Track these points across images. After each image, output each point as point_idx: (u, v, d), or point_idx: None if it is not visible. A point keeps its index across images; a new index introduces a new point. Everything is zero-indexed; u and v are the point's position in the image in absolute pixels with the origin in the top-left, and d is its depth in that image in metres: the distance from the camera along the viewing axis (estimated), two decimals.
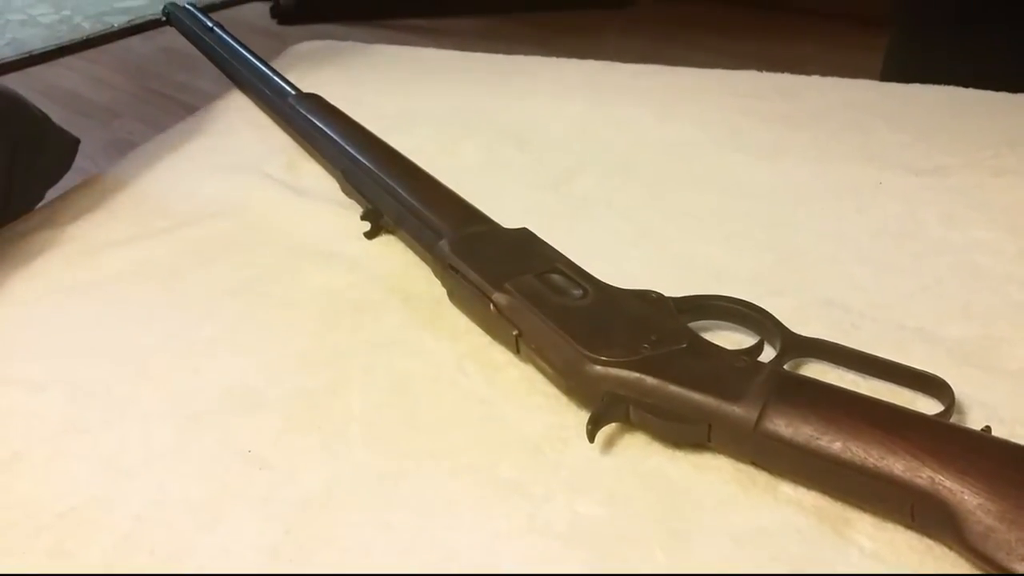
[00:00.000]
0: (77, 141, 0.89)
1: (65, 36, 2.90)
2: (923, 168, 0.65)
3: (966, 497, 0.34)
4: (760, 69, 0.84)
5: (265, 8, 3.10)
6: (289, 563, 0.38)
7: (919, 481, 0.35)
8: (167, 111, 2.46)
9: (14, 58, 2.68)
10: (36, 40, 2.88)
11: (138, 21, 3.04)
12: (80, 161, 0.86)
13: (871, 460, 0.37)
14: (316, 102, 0.72)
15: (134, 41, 2.98)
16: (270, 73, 0.79)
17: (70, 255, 0.61)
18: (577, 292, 0.48)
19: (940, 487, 0.35)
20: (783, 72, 0.83)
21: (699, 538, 0.38)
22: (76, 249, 0.61)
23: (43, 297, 0.57)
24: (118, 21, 3.04)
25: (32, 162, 0.84)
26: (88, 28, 2.99)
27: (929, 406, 0.42)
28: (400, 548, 0.38)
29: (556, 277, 0.49)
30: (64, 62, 2.79)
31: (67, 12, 3.16)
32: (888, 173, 0.65)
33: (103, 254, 0.61)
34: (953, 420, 0.41)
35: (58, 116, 0.95)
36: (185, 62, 2.58)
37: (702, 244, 0.58)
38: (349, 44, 0.98)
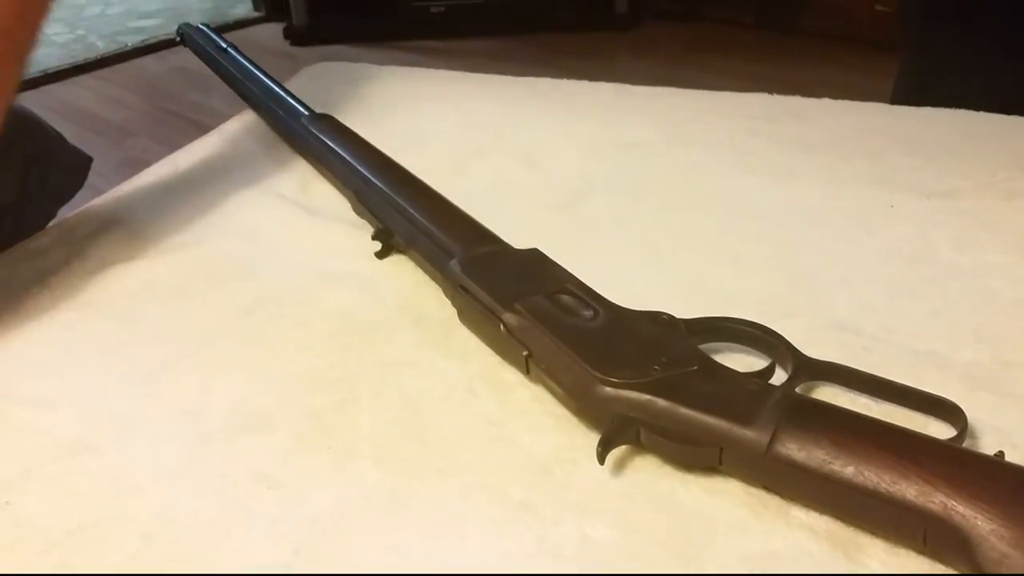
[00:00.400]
0: (90, 160, 0.90)
1: (79, 55, 2.94)
2: (935, 191, 0.65)
3: (979, 523, 0.34)
4: (770, 91, 0.84)
5: (278, 29, 3.14)
6: None
7: (932, 506, 0.35)
8: (180, 130, 2.49)
9: (29, 76, 2.72)
10: (51, 59, 2.92)
11: (151, 41, 3.08)
12: (92, 179, 0.87)
13: (883, 485, 0.36)
14: (329, 123, 0.73)
15: (148, 61, 3.02)
16: (283, 94, 0.79)
17: (82, 273, 0.61)
18: (588, 313, 0.48)
19: (953, 512, 0.35)
20: (793, 94, 0.84)
21: (710, 562, 0.38)
22: (88, 267, 0.62)
23: (55, 314, 0.57)
24: (132, 41, 3.08)
25: (45, 180, 0.85)
26: (102, 47, 3.03)
27: (942, 431, 0.42)
28: (409, 568, 0.38)
29: (566, 298, 0.49)
30: (78, 81, 2.82)
31: (81, 31, 3.20)
32: (900, 196, 0.65)
33: (115, 272, 0.61)
34: (966, 445, 0.41)
35: (72, 134, 0.96)
36: (198, 82, 2.61)
37: (713, 266, 0.58)
38: (361, 65, 0.99)
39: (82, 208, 0.72)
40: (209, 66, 0.89)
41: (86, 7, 3.52)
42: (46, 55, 2.98)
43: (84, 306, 0.58)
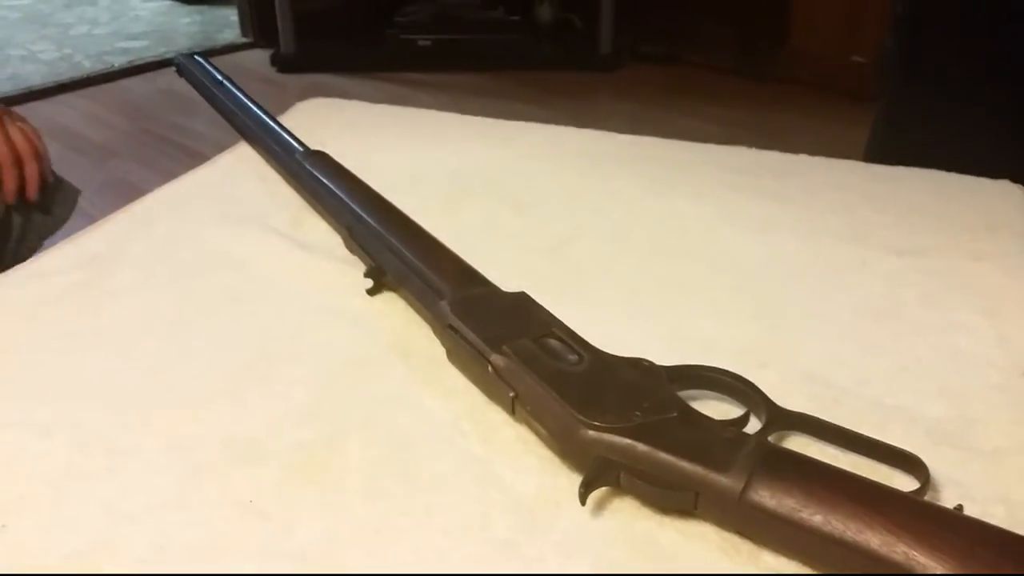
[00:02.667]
0: (78, 192, 0.92)
1: (65, 74, 2.94)
2: (905, 249, 0.68)
3: (938, 573, 0.36)
4: (747, 136, 0.87)
5: (265, 56, 3.16)
6: None
7: (894, 556, 0.37)
8: (163, 152, 2.50)
9: (14, 93, 2.72)
10: (36, 76, 2.93)
11: (138, 62, 3.09)
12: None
13: (849, 534, 0.38)
14: (323, 159, 0.75)
15: (133, 82, 3.03)
16: (278, 129, 0.81)
17: (77, 302, 0.62)
18: (573, 357, 0.50)
19: (914, 562, 0.37)
20: (771, 141, 0.87)
21: None
22: (82, 296, 0.63)
23: (49, 342, 0.58)
24: (118, 61, 3.09)
25: (31, 215, 0.87)
26: (88, 67, 3.04)
27: (905, 483, 0.44)
28: None
29: (553, 342, 0.51)
30: (63, 99, 2.82)
31: (68, 50, 3.21)
32: (871, 253, 0.68)
33: (109, 302, 0.62)
34: (928, 497, 0.43)
35: (55, 153, 0.97)
36: (183, 105, 2.62)
37: (693, 315, 0.60)
38: (354, 103, 1.01)
39: (75, 236, 0.73)
40: (205, 98, 0.91)
41: (73, 26, 3.53)
42: (32, 72, 2.99)
43: (78, 335, 0.59)
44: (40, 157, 0.91)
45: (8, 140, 0.87)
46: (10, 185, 0.87)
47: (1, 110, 0.91)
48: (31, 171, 0.89)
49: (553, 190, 0.79)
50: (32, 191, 0.90)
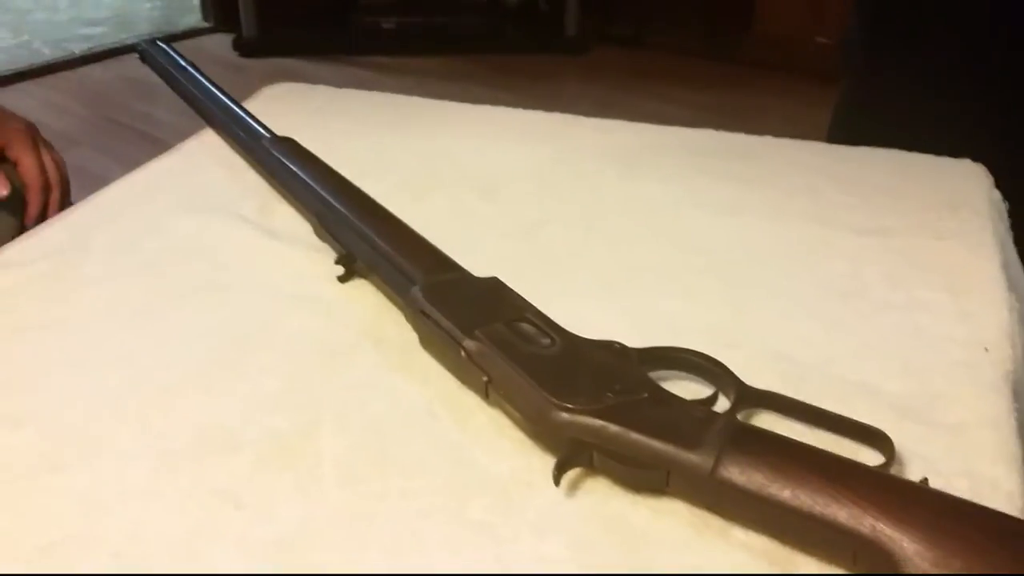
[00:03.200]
0: None
1: (24, 61, 2.89)
2: (869, 229, 0.69)
3: (904, 544, 0.37)
4: (714, 118, 0.87)
5: (227, 40, 3.12)
6: None
7: (861, 528, 0.38)
8: (126, 140, 2.46)
9: None
10: None
11: (99, 49, 3.04)
12: None
13: (817, 508, 0.39)
14: (290, 146, 0.74)
15: (94, 69, 2.99)
16: (243, 115, 0.80)
17: (45, 293, 0.61)
18: (545, 341, 0.51)
19: (881, 534, 0.38)
20: (738, 123, 0.87)
21: None
22: (48, 287, 0.62)
23: (16, 334, 0.57)
24: (79, 48, 3.04)
25: None
26: (48, 54, 2.99)
27: (871, 458, 0.45)
28: None
29: (525, 326, 0.52)
30: (22, 87, 2.77)
31: (26, 37, 3.15)
32: (836, 233, 0.69)
33: (76, 292, 0.62)
34: (893, 471, 0.44)
35: None
36: (145, 92, 2.59)
37: (662, 297, 0.61)
38: (321, 88, 1.00)
39: (39, 227, 0.72)
40: (168, 84, 0.90)
41: (32, 12, 3.47)
42: None
43: (46, 326, 0.58)
44: (64, 187, 0.94)
45: (41, 166, 0.90)
46: (34, 211, 0.90)
47: (38, 136, 0.93)
48: (54, 199, 0.92)
49: (522, 174, 0.79)
50: (51, 218, 0.91)
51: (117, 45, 3.04)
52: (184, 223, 0.70)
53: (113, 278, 0.63)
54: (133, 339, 0.57)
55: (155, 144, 1.48)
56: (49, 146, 0.95)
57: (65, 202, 0.95)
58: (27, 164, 0.89)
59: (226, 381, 0.53)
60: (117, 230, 0.70)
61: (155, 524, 0.43)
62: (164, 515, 0.43)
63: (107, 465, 0.47)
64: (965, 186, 0.76)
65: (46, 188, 0.91)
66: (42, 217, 0.91)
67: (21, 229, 0.91)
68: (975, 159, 0.80)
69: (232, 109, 0.82)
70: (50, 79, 2.86)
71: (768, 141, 0.85)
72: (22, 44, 3.09)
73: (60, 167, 0.94)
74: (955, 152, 0.81)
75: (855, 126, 1.20)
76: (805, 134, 0.88)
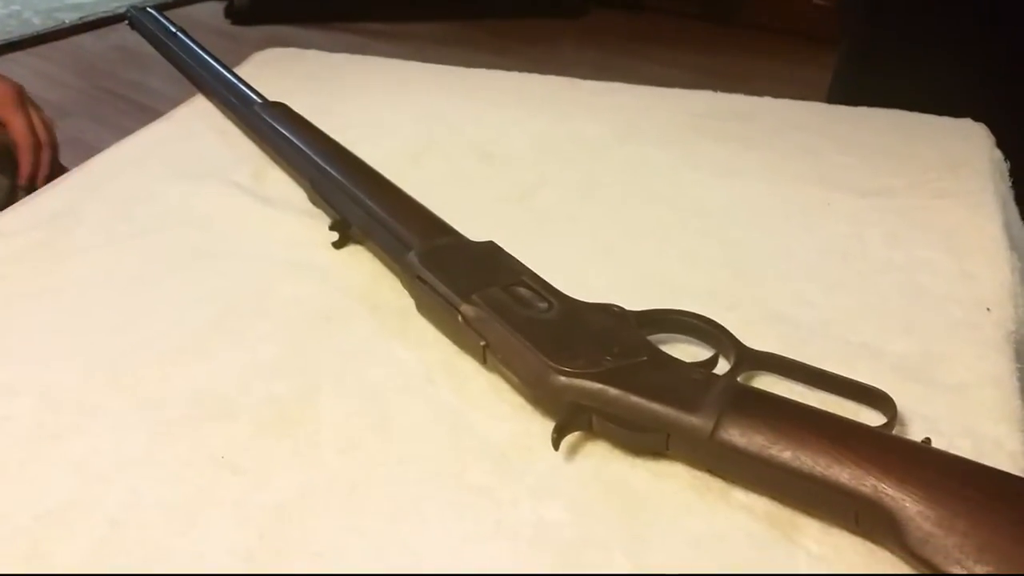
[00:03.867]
0: None
1: (15, 31, 2.85)
2: (868, 189, 0.68)
3: (907, 505, 0.37)
4: (713, 81, 0.86)
5: (219, 8, 3.08)
6: (264, 566, 0.39)
7: (863, 489, 0.38)
8: (119, 110, 2.44)
9: None
10: None
11: (90, 18, 3.00)
12: None
13: (819, 469, 0.39)
14: (282, 111, 0.73)
15: (86, 38, 2.95)
16: (235, 80, 0.79)
17: (39, 261, 0.61)
18: (542, 305, 0.50)
19: (883, 495, 0.37)
20: (736, 85, 0.86)
21: (657, 542, 0.40)
22: (43, 255, 0.61)
23: (12, 303, 0.57)
24: (70, 18, 3.00)
25: None
26: (39, 24, 2.95)
27: (873, 418, 0.45)
28: (371, 552, 0.40)
29: (522, 290, 0.51)
30: (13, 58, 2.74)
31: (17, 7, 3.11)
32: (836, 194, 0.68)
33: (71, 260, 0.61)
34: (895, 432, 0.44)
35: None
36: (138, 61, 2.56)
37: (661, 259, 0.61)
38: (313, 53, 0.99)
39: (32, 196, 0.71)
40: (159, 50, 0.88)
41: None
42: None
43: (40, 294, 0.58)
44: (53, 147, 0.95)
45: (31, 126, 0.92)
46: (25, 169, 0.91)
47: (25, 97, 0.94)
48: (45, 159, 0.93)
49: (519, 138, 0.78)
50: (42, 178, 0.93)
51: (108, 14, 3.01)
52: (177, 190, 0.69)
53: (107, 246, 0.63)
54: (128, 307, 0.57)
55: (148, 112, 1.46)
56: (37, 107, 0.95)
57: (55, 163, 0.95)
58: (16, 124, 0.90)
59: (222, 348, 0.53)
60: (110, 198, 0.69)
61: (152, 491, 0.43)
62: (161, 482, 0.43)
63: (104, 433, 0.46)
64: (966, 146, 0.75)
65: (36, 148, 0.91)
66: (34, 177, 0.91)
67: (14, 189, 0.91)
68: (976, 118, 0.79)
69: (223, 74, 0.80)
70: (41, 49, 2.82)
71: (767, 103, 0.84)
72: (12, 14, 3.05)
73: (49, 127, 0.95)
74: (956, 111, 0.80)
75: (855, 85, 1.19)
76: (804, 96, 0.87)
